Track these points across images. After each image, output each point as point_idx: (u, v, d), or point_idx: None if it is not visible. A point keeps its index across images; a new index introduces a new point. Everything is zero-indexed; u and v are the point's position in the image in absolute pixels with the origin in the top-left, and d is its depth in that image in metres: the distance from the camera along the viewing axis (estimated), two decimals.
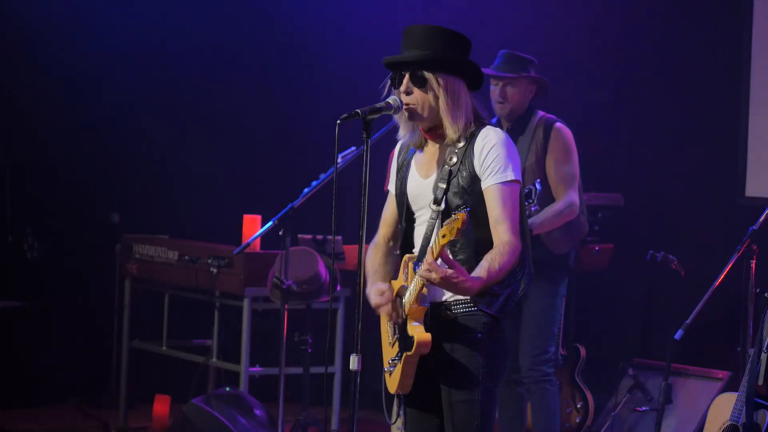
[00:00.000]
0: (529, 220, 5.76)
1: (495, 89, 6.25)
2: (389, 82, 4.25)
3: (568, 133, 6.27)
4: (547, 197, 6.15)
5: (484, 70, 4.50)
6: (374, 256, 4.45)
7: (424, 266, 3.97)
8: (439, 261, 3.97)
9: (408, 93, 4.19)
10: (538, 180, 5.90)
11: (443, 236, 3.92)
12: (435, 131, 4.25)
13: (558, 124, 6.26)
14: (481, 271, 4.05)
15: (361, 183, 4.03)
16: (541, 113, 6.31)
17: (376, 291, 4.28)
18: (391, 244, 4.48)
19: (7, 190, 8.60)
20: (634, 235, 7.92)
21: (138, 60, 8.65)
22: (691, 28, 7.90)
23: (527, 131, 6.25)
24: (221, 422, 6.30)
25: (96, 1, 8.63)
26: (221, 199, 8.61)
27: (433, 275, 3.95)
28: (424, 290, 4.13)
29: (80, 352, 8.48)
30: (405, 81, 4.19)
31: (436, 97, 4.18)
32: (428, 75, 4.17)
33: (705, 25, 7.85)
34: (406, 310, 4.17)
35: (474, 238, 4.16)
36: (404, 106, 4.20)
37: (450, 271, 3.96)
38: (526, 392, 6.32)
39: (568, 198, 6.17)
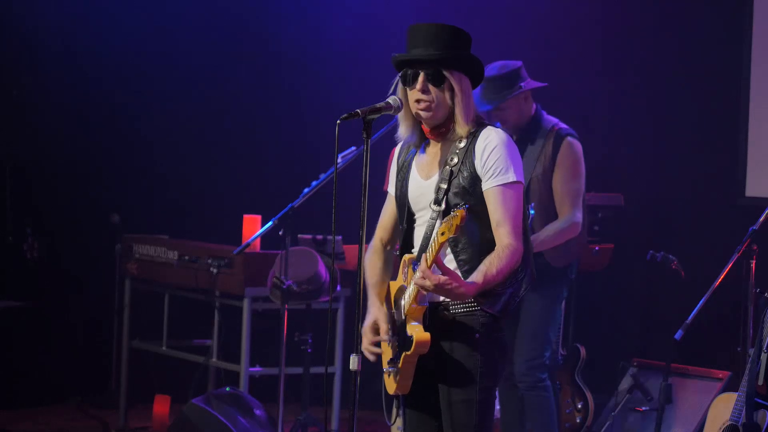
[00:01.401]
0: (531, 237, 5.73)
1: (490, 114, 6.10)
2: (397, 81, 4.20)
3: (578, 148, 6.14)
4: (549, 209, 6.10)
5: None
6: (374, 263, 4.43)
7: (417, 273, 3.97)
8: (433, 267, 3.97)
9: (424, 91, 4.15)
10: (532, 204, 5.86)
11: (442, 233, 3.90)
12: (439, 130, 4.23)
13: (569, 139, 6.11)
14: (477, 275, 4.04)
15: (361, 183, 4.02)
16: (553, 121, 6.17)
17: (369, 332, 4.28)
18: (389, 248, 4.47)
19: (7, 190, 8.60)
20: (634, 235, 7.91)
21: (138, 60, 8.64)
22: (692, 28, 7.90)
23: (537, 141, 6.12)
24: (221, 422, 6.29)
25: (97, 2, 8.62)
26: (221, 199, 8.60)
27: (427, 283, 3.94)
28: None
29: (80, 352, 8.48)
30: (421, 79, 4.14)
31: (452, 95, 4.15)
32: (447, 73, 4.13)
33: (705, 25, 7.84)
34: (405, 310, 4.17)
35: (478, 239, 4.14)
36: (419, 106, 4.15)
37: (443, 278, 3.94)
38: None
39: (571, 215, 6.07)
